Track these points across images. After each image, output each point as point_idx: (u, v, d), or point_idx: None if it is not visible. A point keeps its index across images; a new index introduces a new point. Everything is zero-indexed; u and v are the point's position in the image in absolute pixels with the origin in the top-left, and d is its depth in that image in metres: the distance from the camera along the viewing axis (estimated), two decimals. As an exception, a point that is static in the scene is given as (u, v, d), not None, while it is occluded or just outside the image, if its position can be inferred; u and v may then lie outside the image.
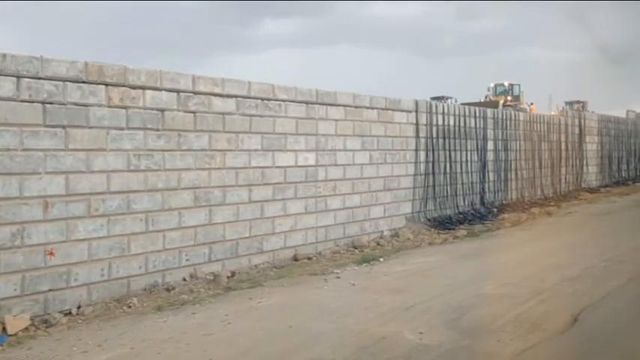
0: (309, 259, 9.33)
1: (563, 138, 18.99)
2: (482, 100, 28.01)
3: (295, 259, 9.28)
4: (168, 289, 7.41)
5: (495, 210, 14.29)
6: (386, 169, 11.54)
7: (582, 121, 20.54)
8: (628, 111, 42.77)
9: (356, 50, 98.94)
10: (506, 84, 30.11)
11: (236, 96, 8.54)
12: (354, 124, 10.73)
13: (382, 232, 11.37)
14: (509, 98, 29.12)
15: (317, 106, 9.92)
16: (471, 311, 5.88)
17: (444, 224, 12.42)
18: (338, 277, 7.65)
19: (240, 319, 5.96)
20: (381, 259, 8.83)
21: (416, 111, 12.38)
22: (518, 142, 16.29)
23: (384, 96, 11.51)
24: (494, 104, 23.84)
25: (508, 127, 15.78)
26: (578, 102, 41.04)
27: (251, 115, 8.77)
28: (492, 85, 30.26)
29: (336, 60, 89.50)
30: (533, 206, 15.64)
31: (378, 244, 10.62)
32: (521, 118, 16.60)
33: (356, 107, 10.75)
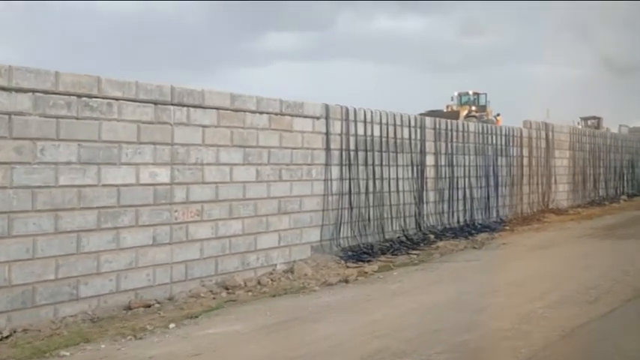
0: (148, 306, 7.10)
1: (526, 152, 16.87)
2: (445, 110, 25.86)
3: (129, 307, 7.07)
4: None
5: (433, 236, 12.09)
6: (282, 188, 9.36)
7: (550, 133, 18.45)
8: (621, 126, 40.94)
9: (359, 64, 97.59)
10: (470, 93, 27.99)
11: (33, 90, 6.36)
12: (233, 131, 8.56)
13: (275, 265, 9.17)
14: (473, 108, 27.02)
15: (172, 107, 7.75)
16: None
17: (360, 255, 10.23)
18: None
19: None
20: (172, 326, 6.14)
21: (326, 117, 10.23)
22: (467, 157, 14.14)
23: (279, 98, 9.36)
24: (454, 115, 21.76)
25: (454, 139, 13.64)
26: (594, 118, 39.28)
27: (59, 117, 6.58)
28: (456, 94, 28.15)
29: (339, 74, 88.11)
30: (484, 230, 13.50)
31: (260, 282, 8.40)
32: (472, 129, 14.46)
33: (235, 111, 8.59)
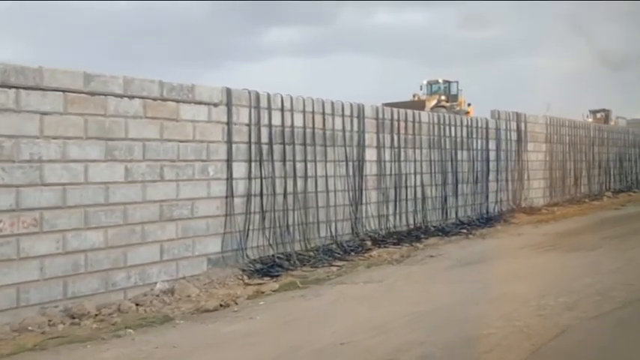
0: (-61, 347, 5.45)
1: (492, 146, 15.17)
2: (412, 100, 24.01)
3: None
4: None
5: (370, 243, 10.43)
6: (164, 190, 7.68)
7: (522, 124, 16.75)
8: (618, 118, 39.53)
9: (360, 59, 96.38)
10: (440, 81, 26.17)
11: None
12: (88, 119, 6.87)
13: (155, 284, 7.50)
14: (443, 98, 25.24)
15: (-9, 88, 6.07)
16: None
17: (270, 268, 8.56)
18: None
19: None
20: None
21: (228, 104, 8.54)
22: (419, 151, 12.46)
23: (159, 79, 7.67)
24: (419, 104, 19.99)
25: (402, 131, 11.96)
26: (603, 110, 38.05)
27: None
28: (425, 82, 26.36)
29: (340, 68, 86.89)
30: (437, 234, 11.85)
31: (120, 309, 6.72)
32: (425, 119, 12.77)
33: (91, 94, 6.90)
